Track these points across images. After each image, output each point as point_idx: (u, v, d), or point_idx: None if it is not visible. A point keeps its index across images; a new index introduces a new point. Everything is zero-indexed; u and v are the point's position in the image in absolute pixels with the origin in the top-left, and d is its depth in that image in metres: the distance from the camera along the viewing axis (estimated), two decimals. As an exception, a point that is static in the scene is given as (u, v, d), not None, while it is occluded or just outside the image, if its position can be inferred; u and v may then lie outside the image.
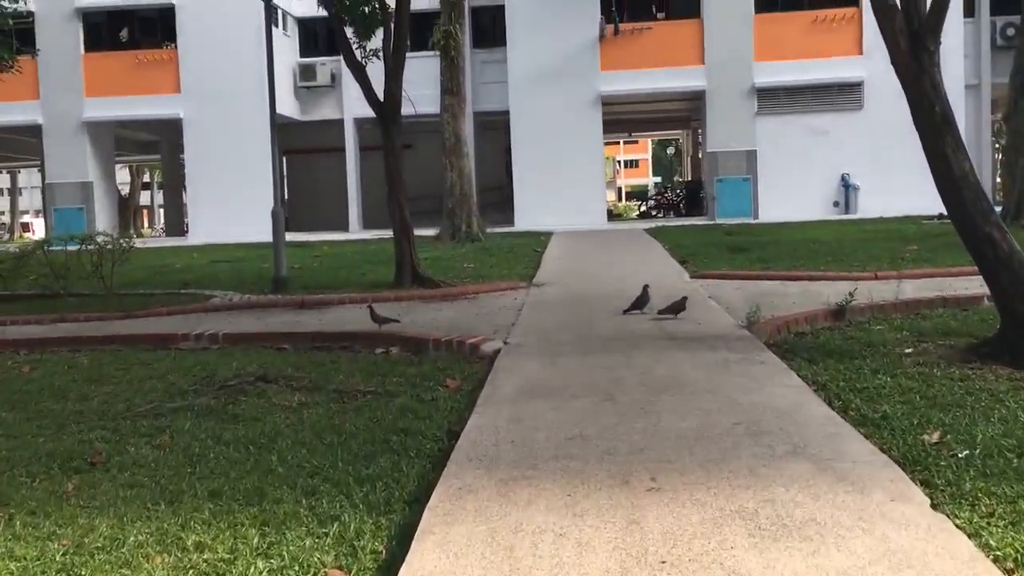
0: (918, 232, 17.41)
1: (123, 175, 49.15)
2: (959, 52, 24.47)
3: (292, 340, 8.38)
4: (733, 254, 14.13)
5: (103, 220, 27.66)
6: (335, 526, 3.81)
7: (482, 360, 7.19)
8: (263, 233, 25.53)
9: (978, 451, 4.24)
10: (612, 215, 31.45)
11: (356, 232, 27.12)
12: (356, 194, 28.40)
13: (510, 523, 3.55)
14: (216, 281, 13.94)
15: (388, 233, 24.56)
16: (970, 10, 24.92)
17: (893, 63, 6.45)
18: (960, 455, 4.22)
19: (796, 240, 16.30)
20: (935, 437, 4.50)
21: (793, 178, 24.89)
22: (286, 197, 33.61)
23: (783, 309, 8.66)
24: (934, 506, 3.62)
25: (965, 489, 3.79)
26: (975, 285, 9.59)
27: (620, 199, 68.02)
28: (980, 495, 3.71)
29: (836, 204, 25.16)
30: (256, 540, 3.71)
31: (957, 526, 3.42)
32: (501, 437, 4.74)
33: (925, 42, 6.24)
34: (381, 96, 12.23)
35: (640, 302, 8.63)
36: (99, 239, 12.60)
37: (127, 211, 45.16)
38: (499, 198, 29.29)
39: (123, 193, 46.59)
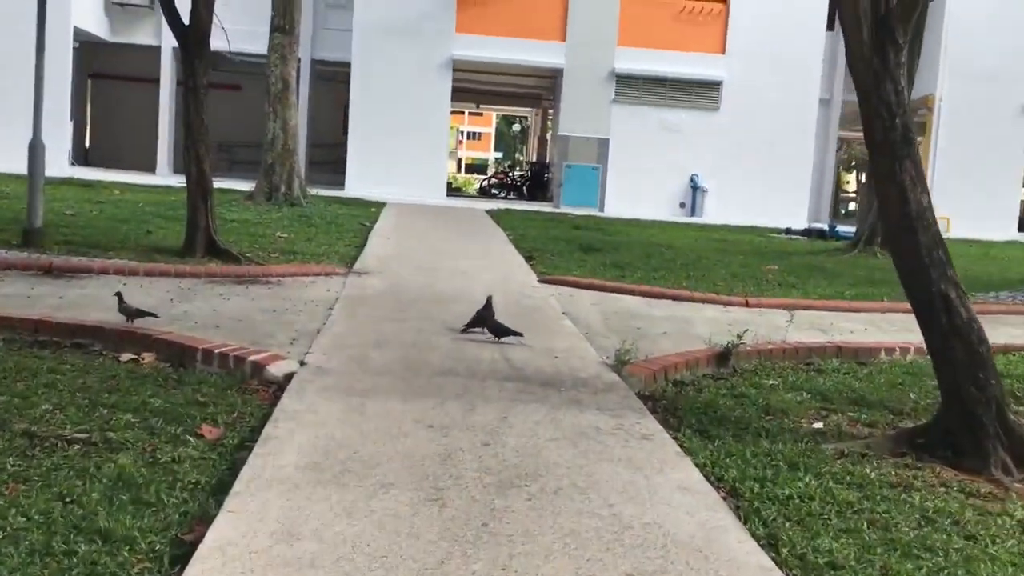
0: (770, 247, 16.59)
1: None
2: (817, 65, 24.18)
3: (7, 328, 6.08)
4: (584, 254, 12.63)
5: None
6: None
7: (265, 389, 5.24)
8: (54, 166, 22.15)
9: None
10: (451, 188, 29.60)
11: (164, 176, 24.03)
12: (168, 132, 25.16)
13: None
14: (-44, 223, 11.12)
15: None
16: (832, 23, 24.62)
17: (850, 61, 4.95)
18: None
19: (648, 243, 15.04)
20: (925, 624, 2.97)
21: (643, 173, 23.85)
22: (88, 127, 29.83)
23: (653, 341, 7.13)
24: None
25: None
26: (859, 327, 8.50)
27: (460, 170, 66.27)
28: None
29: (682, 205, 24.34)
30: None
31: None
32: (251, 585, 2.85)
33: (894, 32, 4.75)
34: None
35: (482, 319, 6.87)
36: None
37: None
38: (332, 157, 26.82)
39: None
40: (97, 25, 24.47)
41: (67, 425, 4.32)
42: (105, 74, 28.84)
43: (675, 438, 4.75)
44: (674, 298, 9.50)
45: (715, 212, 23.50)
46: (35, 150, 9.83)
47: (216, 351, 5.63)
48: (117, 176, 21.73)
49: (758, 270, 12.43)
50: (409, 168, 23.26)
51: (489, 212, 19.58)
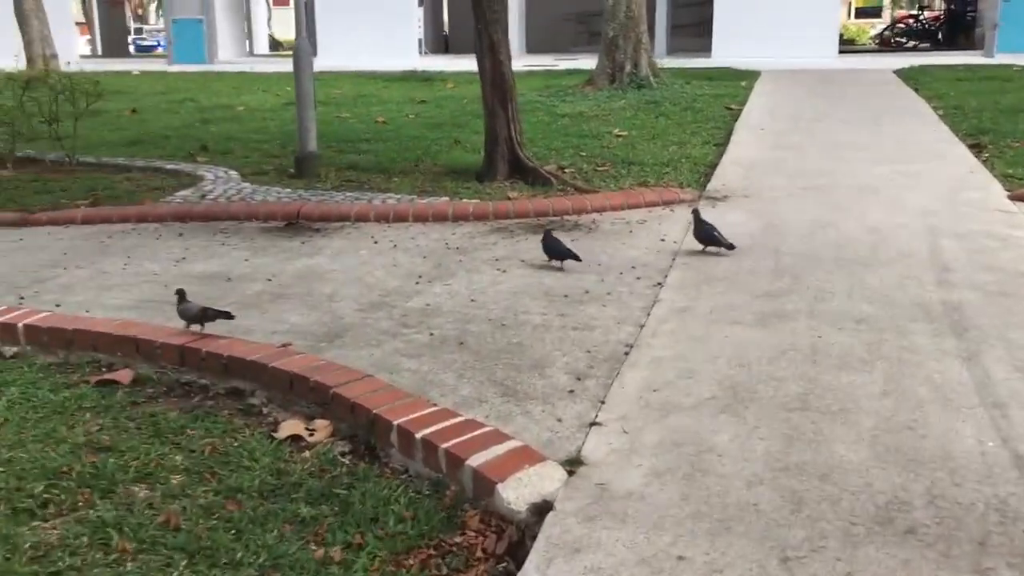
0: None
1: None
2: None
3: (149, 359, 3.93)
4: (1068, 136, 8.29)
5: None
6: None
7: (488, 547, 2.52)
8: (402, 58, 21.08)
9: None
10: (843, 41, 24.44)
11: (517, 58, 22.01)
12: (519, 8, 23.02)
13: None
14: (250, 142, 9.63)
15: (551, 63, 19.46)
16: None
17: None
18: None
19: None
20: None
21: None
22: (445, 14, 28.76)
23: None
24: None
25: None
26: None
27: (849, 16, 57.84)
28: None
29: None
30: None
31: None
32: None
33: None
34: None
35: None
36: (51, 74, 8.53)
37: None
38: (697, 18, 23.10)
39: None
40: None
41: None
42: (457, -48, 27.37)
43: None
44: None
45: None
46: (300, 54, 7.74)
47: (419, 435, 2.99)
48: (469, 64, 20.06)
49: None
50: (789, 23, 18.99)
51: (899, 73, 15.01)
